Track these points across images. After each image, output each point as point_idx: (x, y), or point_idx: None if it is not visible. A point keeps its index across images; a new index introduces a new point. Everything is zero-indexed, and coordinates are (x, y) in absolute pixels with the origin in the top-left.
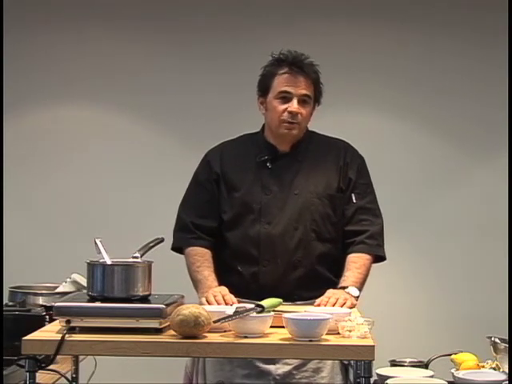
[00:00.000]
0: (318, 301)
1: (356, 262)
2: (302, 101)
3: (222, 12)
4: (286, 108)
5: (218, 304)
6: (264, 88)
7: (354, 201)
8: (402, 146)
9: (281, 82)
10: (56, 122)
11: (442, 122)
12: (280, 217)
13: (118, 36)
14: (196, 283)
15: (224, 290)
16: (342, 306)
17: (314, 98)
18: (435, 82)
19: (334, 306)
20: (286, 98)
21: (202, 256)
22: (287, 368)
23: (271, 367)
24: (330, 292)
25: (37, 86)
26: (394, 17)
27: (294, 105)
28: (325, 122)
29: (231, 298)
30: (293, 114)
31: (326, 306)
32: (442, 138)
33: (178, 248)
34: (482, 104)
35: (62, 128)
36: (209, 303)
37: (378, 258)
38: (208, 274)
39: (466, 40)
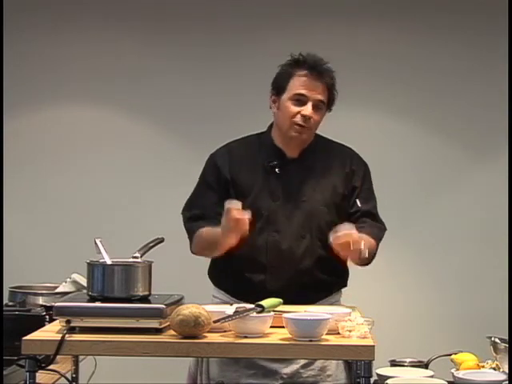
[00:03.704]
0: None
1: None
2: (316, 106)
3: (223, 13)
4: (300, 111)
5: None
6: (279, 87)
7: (359, 205)
8: (400, 146)
9: (298, 84)
10: (56, 122)
11: (441, 122)
12: (287, 225)
13: (118, 37)
14: (214, 238)
15: (236, 203)
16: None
17: (326, 104)
18: (435, 82)
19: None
20: (300, 100)
21: (202, 227)
22: (294, 367)
23: (277, 366)
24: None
25: (37, 86)
26: (393, 17)
27: (308, 109)
28: (324, 122)
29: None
30: (305, 118)
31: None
32: (441, 139)
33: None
34: (482, 105)
35: (62, 128)
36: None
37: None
38: (212, 227)
39: (466, 40)
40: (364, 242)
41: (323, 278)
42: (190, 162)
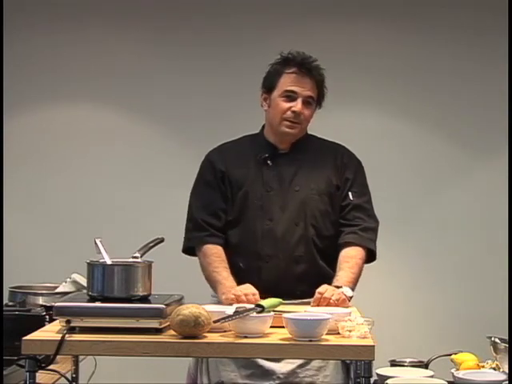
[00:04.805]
0: (312, 300)
1: (349, 261)
2: (306, 102)
3: (223, 13)
4: (290, 107)
5: (249, 302)
6: (269, 85)
7: (351, 198)
8: (400, 146)
9: (287, 81)
10: (56, 121)
11: (441, 122)
12: (281, 213)
13: (118, 36)
14: (215, 284)
15: (251, 288)
16: (337, 301)
17: (316, 101)
18: (434, 82)
19: (329, 301)
20: (290, 97)
21: (219, 256)
22: (291, 367)
23: (275, 366)
24: (323, 287)
25: (36, 86)
26: (393, 17)
27: (298, 105)
28: (322, 122)
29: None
30: (296, 114)
31: (320, 300)
32: (441, 139)
33: (190, 248)
34: (482, 105)
35: (62, 128)
36: (238, 300)
37: (370, 256)
38: (227, 275)
39: (466, 40)
40: (339, 295)
41: (319, 269)
42: (190, 162)
